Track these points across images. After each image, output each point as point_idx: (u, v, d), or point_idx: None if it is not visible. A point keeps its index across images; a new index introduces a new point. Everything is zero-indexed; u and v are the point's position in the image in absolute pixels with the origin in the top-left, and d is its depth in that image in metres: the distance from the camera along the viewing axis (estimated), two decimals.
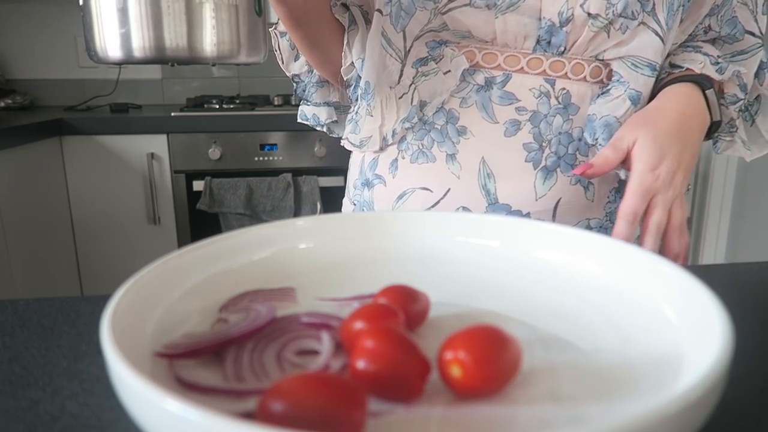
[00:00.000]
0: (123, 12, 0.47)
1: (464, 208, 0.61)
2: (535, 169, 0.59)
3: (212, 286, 0.35)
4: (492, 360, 0.25)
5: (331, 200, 1.81)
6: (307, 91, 0.78)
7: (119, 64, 0.50)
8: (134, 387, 0.21)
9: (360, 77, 0.68)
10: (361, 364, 0.25)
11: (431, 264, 0.41)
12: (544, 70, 0.58)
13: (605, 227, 0.64)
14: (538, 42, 0.57)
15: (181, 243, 1.87)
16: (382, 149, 0.66)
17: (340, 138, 0.74)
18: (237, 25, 0.51)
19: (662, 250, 0.53)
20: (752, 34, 0.63)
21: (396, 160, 0.65)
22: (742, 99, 0.62)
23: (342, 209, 0.75)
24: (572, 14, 0.55)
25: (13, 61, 2.22)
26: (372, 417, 0.24)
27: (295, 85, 0.78)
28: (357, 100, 0.70)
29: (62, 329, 0.39)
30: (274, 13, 0.63)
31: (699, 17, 0.63)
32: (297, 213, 1.83)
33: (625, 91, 0.58)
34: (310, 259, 0.41)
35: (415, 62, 0.62)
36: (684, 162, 0.53)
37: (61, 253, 1.79)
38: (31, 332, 0.38)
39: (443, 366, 0.26)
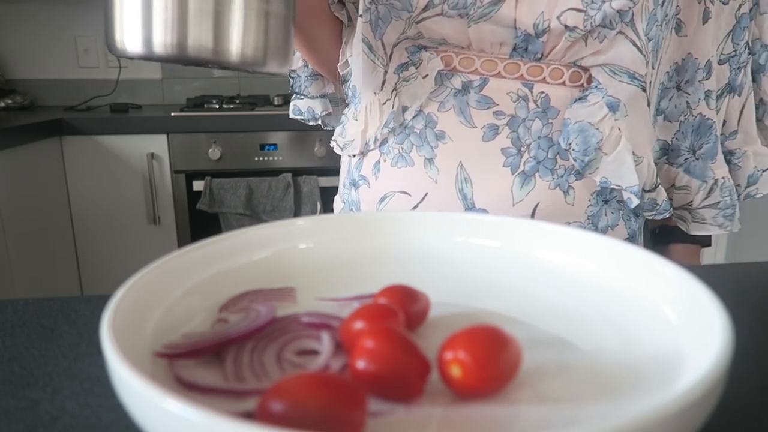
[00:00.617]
0: (147, 3, 0.44)
1: None
2: (513, 174, 0.58)
3: (212, 286, 0.35)
4: (492, 360, 0.25)
5: (331, 200, 1.80)
6: (302, 85, 0.78)
7: (138, 58, 0.47)
8: (134, 387, 0.21)
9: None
10: (361, 364, 0.25)
11: (431, 264, 0.41)
12: (522, 75, 0.57)
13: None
14: (514, 48, 0.57)
15: (181, 243, 1.87)
16: (363, 154, 0.66)
17: None
18: (265, 31, 0.48)
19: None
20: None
21: (378, 162, 0.65)
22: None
23: (333, 206, 0.75)
24: (548, 26, 0.54)
25: (13, 61, 2.22)
26: (372, 417, 0.24)
27: (291, 81, 0.79)
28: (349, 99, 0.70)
29: (62, 329, 0.39)
30: None
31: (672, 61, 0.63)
32: (297, 213, 1.83)
33: (603, 97, 0.57)
34: (310, 259, 0.41)
35: (397, 68, 0.62)
36: None
37: (61, 253, 1.79)
38: (31, 332, 0.38)
39: (443, 366, 0.26)
